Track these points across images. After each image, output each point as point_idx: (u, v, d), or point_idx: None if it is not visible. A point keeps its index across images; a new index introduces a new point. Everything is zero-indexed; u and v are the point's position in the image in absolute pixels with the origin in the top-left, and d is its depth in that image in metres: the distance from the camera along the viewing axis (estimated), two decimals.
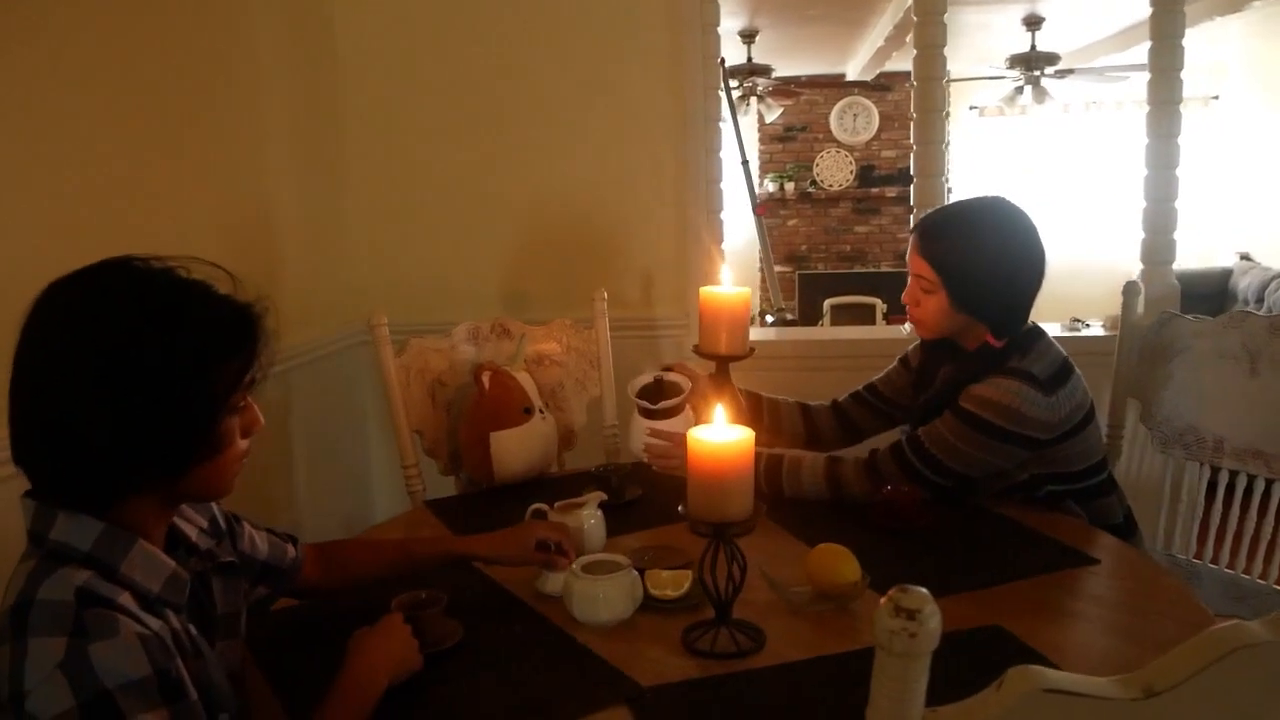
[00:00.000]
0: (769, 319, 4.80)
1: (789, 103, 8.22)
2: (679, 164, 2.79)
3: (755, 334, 3.05)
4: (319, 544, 1.51)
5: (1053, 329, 2.79)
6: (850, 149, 8.61)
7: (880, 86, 7.98)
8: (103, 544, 1.01)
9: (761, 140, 8.73)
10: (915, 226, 1.83)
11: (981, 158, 8.22)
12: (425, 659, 1.26)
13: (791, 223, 8.86)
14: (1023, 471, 1.75)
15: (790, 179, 8.66)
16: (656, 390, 1.84)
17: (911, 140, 2.77)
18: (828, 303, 7.48)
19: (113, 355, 0.99)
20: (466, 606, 1.44)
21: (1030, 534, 1.66)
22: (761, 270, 8.51)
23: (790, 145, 8.74)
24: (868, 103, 8.40)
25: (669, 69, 2.76)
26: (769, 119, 7.46)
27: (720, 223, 2.89)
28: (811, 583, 1.44)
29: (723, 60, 4.53)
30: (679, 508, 1.31)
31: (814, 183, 8.65)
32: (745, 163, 4.68)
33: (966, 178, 8.32)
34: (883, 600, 0.65)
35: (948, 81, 8.20)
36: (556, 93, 2.81)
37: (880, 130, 8.37)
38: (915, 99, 2.72)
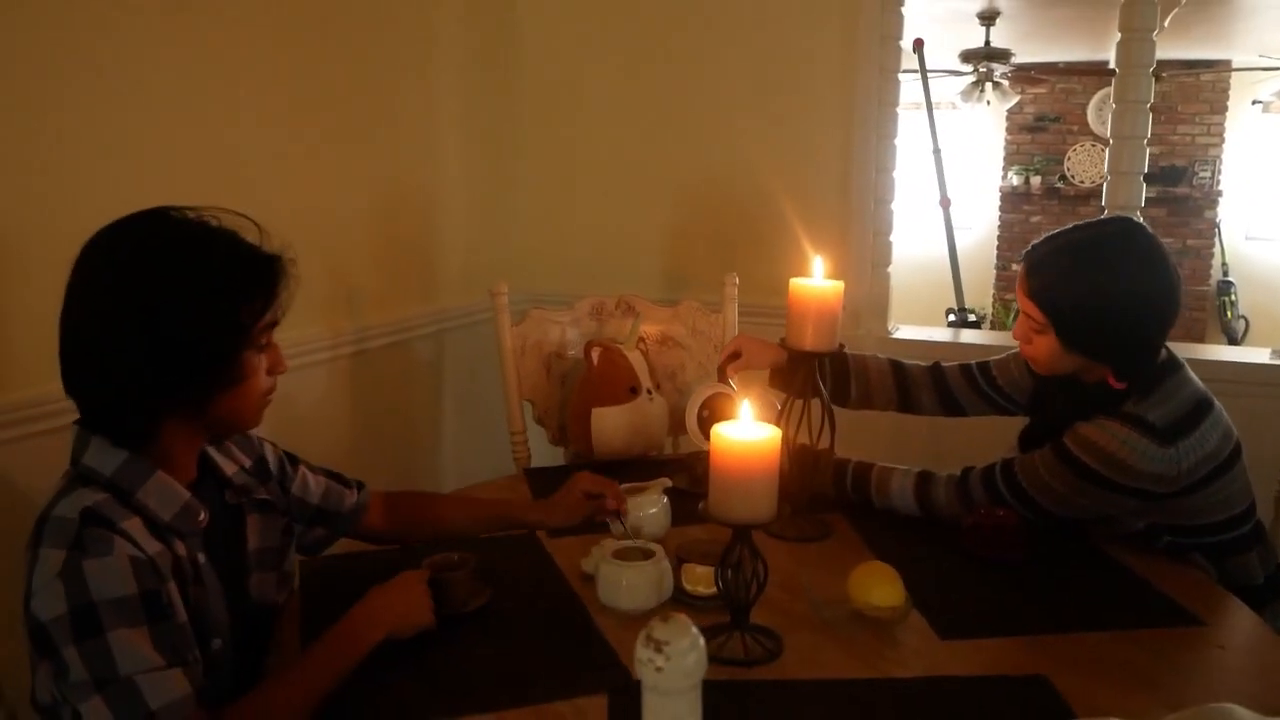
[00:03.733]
0: (950, 318, 4.50)
1: (1040, 90, 7.67)
2: (846, 149, 2.67)
3: (922, 332, 2.88)
4: (391, 493, 1.58)
5: (1260, 355, 2.46)
6: (1108, 143, 7.92)
7: None
8: (123, 471, 1.11)
9: (1009, 130, 8.21)
10: (1023, 255, 1.59)
11: (1266, 157, 7.37)
12: (443, 620, 1.29)
13: (1035, 219, 8.29)
14: (1136, 520, 1.55)
15: (1037, 172, 8.10)
16: (714, 414, 1.80)
17: (1109, 133, 2.50)
18: None
19: (144, 289, 1.09)
20: (510, 576, 1.47)
21: (1136, 583, 1.47)
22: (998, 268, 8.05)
23: (1040, 136, 8.16)
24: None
25: (844, 50, 2.63)
26: (1005, 107, 6.95)
27: (890, 212, 2.74)
28: (850, 601, 1.35)
29: (920, 41, 4.29)
30: (700, 505, 1.26)
31: (1063, 178, 8.04)
32: (937, 151, 4.39)
33: (1244, 177, 7.49)
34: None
35: (1228, 71, 7.34)
36: (725, 72, 2.76)
37: None
38: (1116, 88, 2.46)
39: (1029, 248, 1.59)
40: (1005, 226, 8.35)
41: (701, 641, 0.57)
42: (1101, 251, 1.51)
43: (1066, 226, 1.59)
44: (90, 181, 1.63)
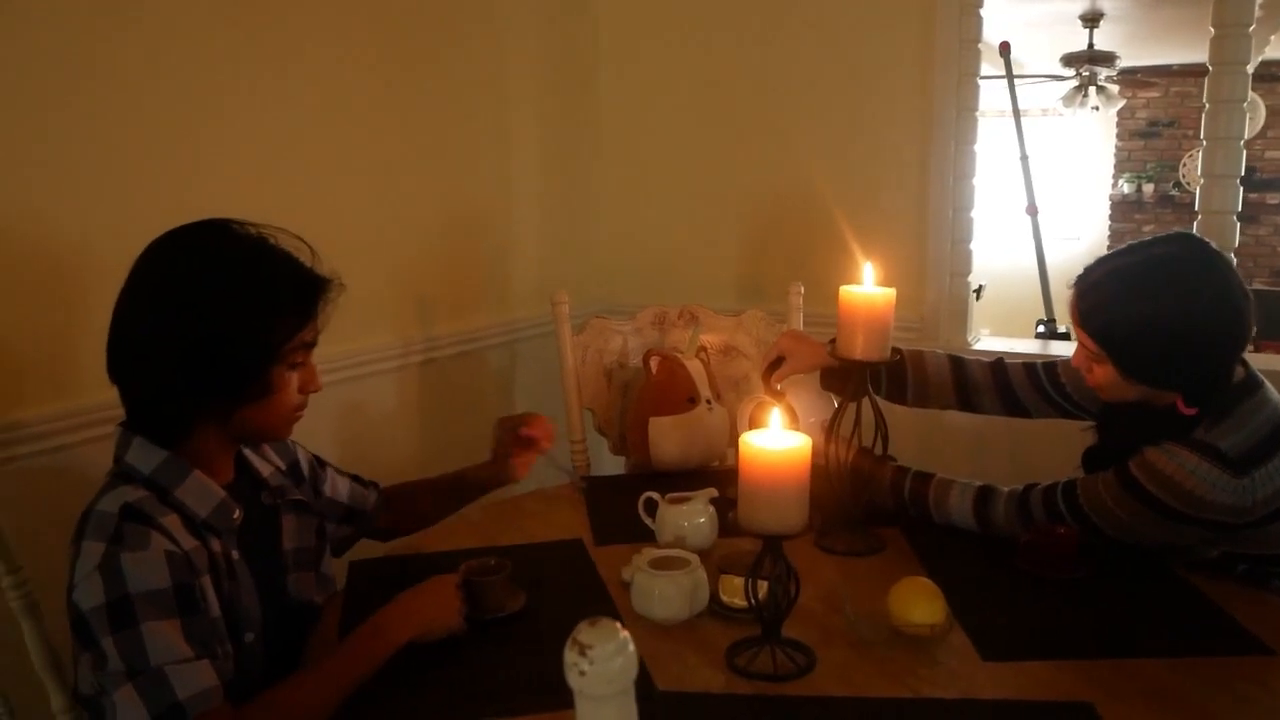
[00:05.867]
0: (1039, 329, 4.33)
1: (1153, 94, 7.36)
2: (924, 156, 2.61)
3: (1004, 343, 2.78)
4: (387, 487, 1.63)
5: None
6: None
7: (1269, 77, 6.87)
8: (162, 470, 1.15)
9: (1119, 136, 7.89)
10: (1074, 281, 1.50)
11: None
12: (476, 624, 1.30)
13: (1147, 229, 7.92)
14: (1209, 549, 1.46)
15: (1150, 180, 7.75)
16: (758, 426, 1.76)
17: (1201, 135, 2.38)
18: None
19: (184, 294, 1.14)
20: (549, 583, 1.47)
21: (1202, 605, 1.38)
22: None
23: (1153, 142, 7.81)
24: (1252, 95, 7.29)
25: (921, 54, 2.57)
26: (1111, 111, 6.66)
27: (969, 220, 2.66)
28: (889, 618, 1.30)
29: (1006, 45, 4.16)
30: (729, 515, 1.24)
31: (1177, 185, 7.67)
32: (1025, 158, 4.25)
33: None
34: None
35: None
36: (800, 79, 2.72)
37: (1266, 127, 7.22)
38: (1209, 87, 2.33)
39: (1081, 271, 1.51)
40: (1116, 236, 8.00)
41: (631, 647, 0.55)
42: (1154, 275, 1.42)
43: (1120, 247, 1.50)
44: (160, 193, 1.70)
